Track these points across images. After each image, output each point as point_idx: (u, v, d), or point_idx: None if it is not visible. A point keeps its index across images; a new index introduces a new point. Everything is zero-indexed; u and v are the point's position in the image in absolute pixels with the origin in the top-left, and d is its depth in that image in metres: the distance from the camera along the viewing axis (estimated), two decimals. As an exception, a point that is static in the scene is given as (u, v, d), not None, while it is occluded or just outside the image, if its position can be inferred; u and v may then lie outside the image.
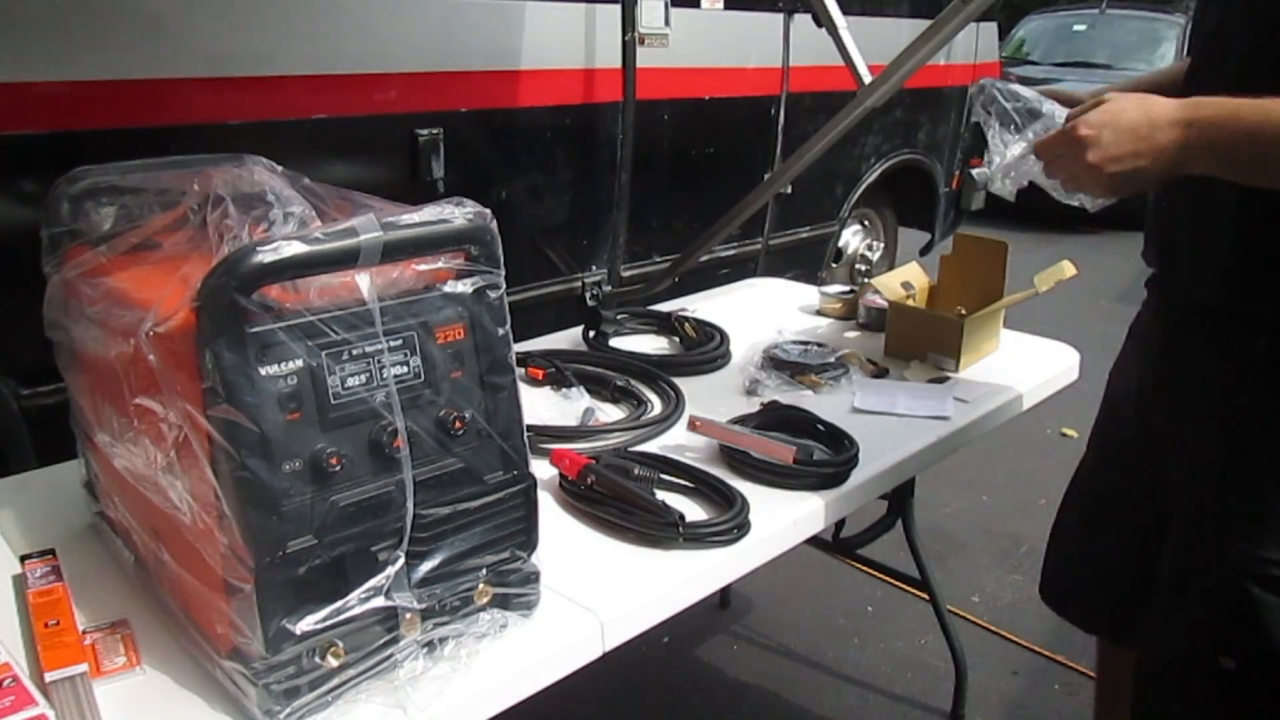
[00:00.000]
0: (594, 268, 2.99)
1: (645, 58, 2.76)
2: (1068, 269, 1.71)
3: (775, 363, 1.70)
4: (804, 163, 2.56)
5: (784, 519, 1.23)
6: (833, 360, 1.70)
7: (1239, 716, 1.17)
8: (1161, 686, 1.23)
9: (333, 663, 0.84)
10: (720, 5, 3.11)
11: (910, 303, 1.87)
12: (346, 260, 0.80)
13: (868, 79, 2.37)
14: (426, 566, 0.89)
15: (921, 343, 1.76)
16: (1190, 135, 1.05)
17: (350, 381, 0.83)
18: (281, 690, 0.82)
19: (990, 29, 4.49)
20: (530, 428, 1.07)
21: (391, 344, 0.85)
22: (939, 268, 1.93)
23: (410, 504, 0.86)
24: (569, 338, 1.88)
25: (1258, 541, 1.13)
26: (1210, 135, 1.04)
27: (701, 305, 2.05)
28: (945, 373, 1.71)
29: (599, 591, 1.05)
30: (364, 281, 0.83)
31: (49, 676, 0.87)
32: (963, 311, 1.75)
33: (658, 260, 3.15)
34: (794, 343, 1.76)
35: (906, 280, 1.89)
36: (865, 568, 2.36)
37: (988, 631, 2.41)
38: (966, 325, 1.71)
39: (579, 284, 2.96)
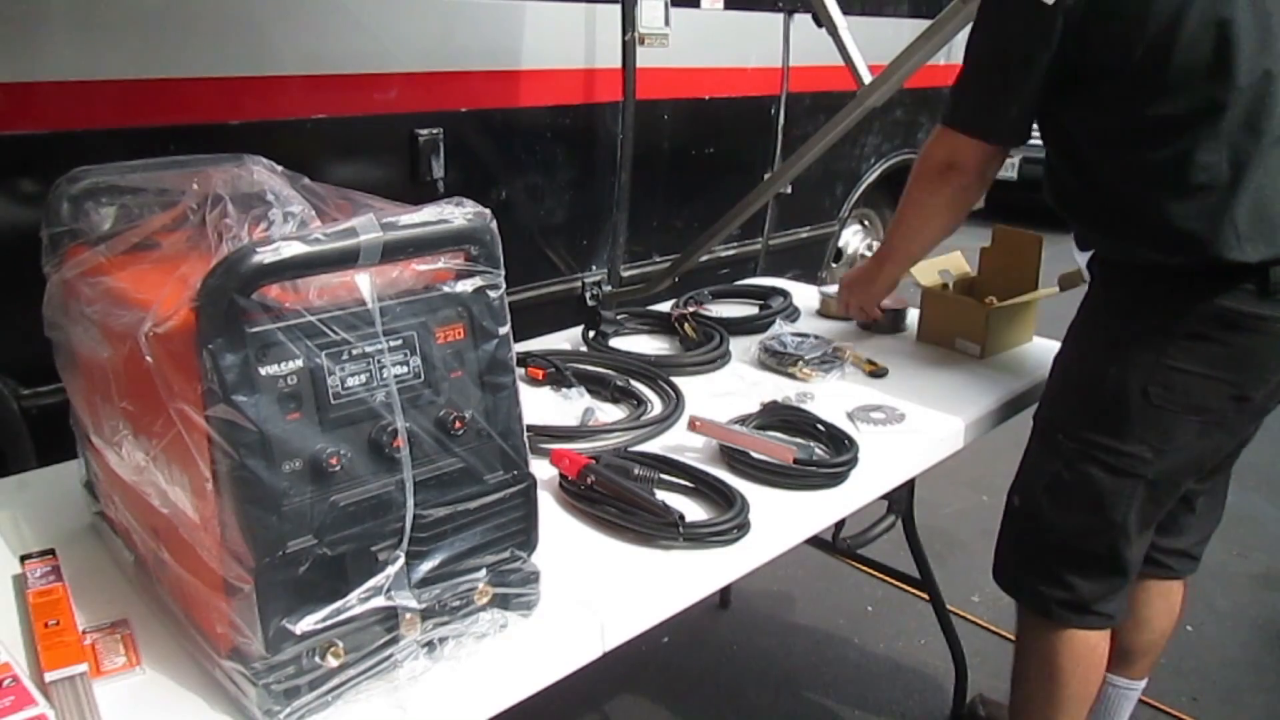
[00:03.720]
0: (594, 268, 2.99)
1: (645, 58, 2.76)
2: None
3: (770, 353, 1.71)
4: (804, 163, 2.56)
5: (784, 519, 1.23)
6: (828, 352, 1.70)
7: (1018, 537, 1.60)
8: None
9: (333, 663, 0.84)
10: (720, 5, 3.11)
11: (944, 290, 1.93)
12: (346, 260, 0.80)
13: (868, 79, 2.37)
14: (426, 566, 0.88)
15: (951, 328, 1.82)
16: (879, 256, 1.81)
17: (350, 381, 0.83)
18: (281, 690, 0.82)
19: (990, 28, 4.48)
20: (530, 428, 1.07)
21: (391, 344, 0.85)
22: (979, 259, 1.98)
23: (410, 504, 0.86)
24: (569, 338, 1.88)
25: (1045, 408, 1.55)
26: (884, 251, 1.79)
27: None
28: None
29: (599, 591, 1.05)
30: (364, 281, 0.83)
31: (49, 676, 0.87)
32: (993, 301, 1.78)
33: (658, 260, 3.15)
34: (793, 334, 1.77)
35: (945, 268, 1.94)
36: (865, 568, 2.36)
37: (988, 631, 2.41)
38: (991, 314, 1.77)
39: (579, 284, 2.96)
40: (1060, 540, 1.51)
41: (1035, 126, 1.48)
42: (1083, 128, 1.40)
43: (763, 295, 2.15)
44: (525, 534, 0.96)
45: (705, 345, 1.79)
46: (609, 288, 3.00)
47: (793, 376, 1.66)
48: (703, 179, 3.24)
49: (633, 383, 1.60)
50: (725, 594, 2.49)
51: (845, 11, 2.49)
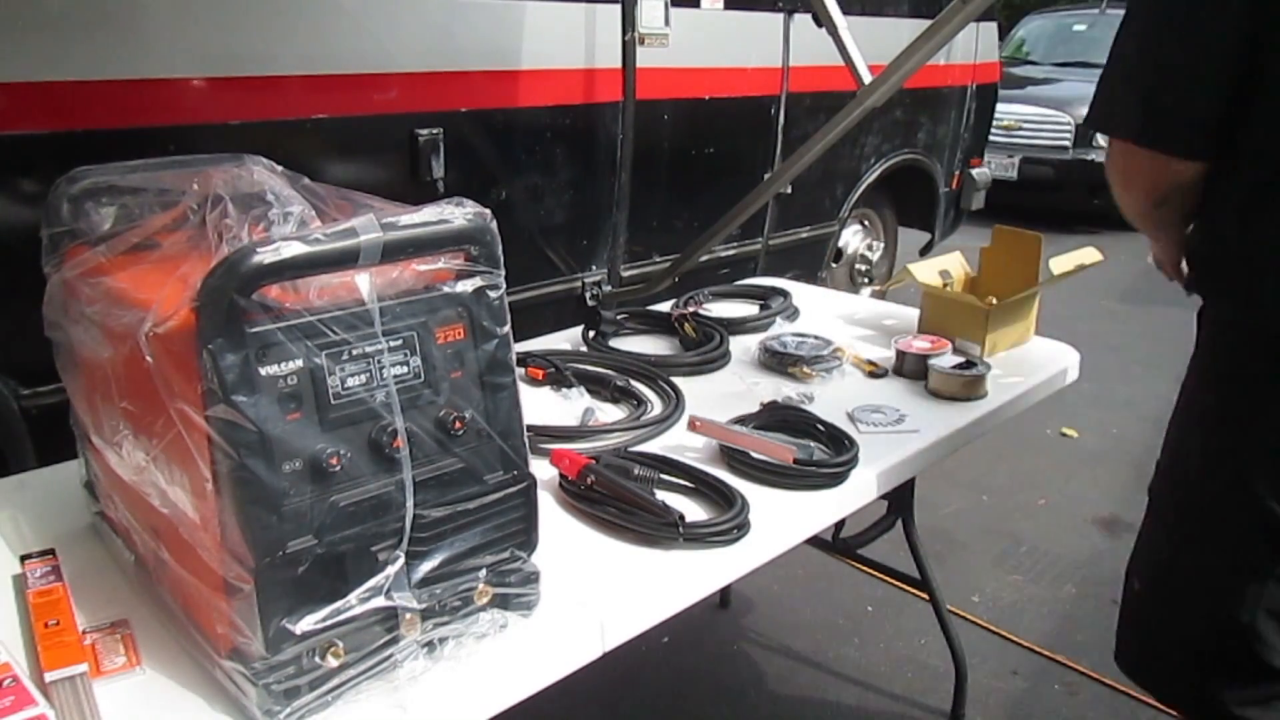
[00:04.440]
0: (594, 268, 2.99)
1: (645, 58, 2.76)
2: (1091, 254, 1.74)
3: (770, 353, 1.71)
4: (804, 163, 2.56)
5: (784, 519, 1.23)
6: (828, 352, 1.70)
7: (1140, 626, 1.45)
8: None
9: (333, 663, 0.84)
10: (720, 5, 3.11)
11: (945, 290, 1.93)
12: (346, 260, 0.80)
13: (868, 79, 2.37)
14: (426, 566, 0.89)
15: (951, 328, 1.81)
16: None
17: (350, 382, 0.83)
18: (281, 690, 0.82)
19: (990, 29, 4.49)
20: (530, 428, 1.07)
21: (391, 344, 0.85)
22: (980, 259, 1.98)
23: (410, 504, 0.86)
24: (569, 338, 1.88)
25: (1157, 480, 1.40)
26: None
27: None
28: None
29: (599, 591, 1.05)
30: (364, 282, 0.83)
31: (49, 676, 0.87)
32: (993, 301, 1.79)
33: (658, 260, 3.15)
34: (793, 334, 1.78)
35: (945, 269, 1.95)
36: (865, 568, 2.36)
37: (988, 631, 2.41)
38: (991, 314, 1.77)
39: (579, 284, 2.96)
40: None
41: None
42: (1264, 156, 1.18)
43: (763, 295, 2.16)
44: (525, 534, 0.96)
45: (705, 345, 1.79)
46: (609, 288, 3.00)
47: (793, 376, 1.66)
48: (703, 179, 3.23)
49: (633, 383, 1.60)
50: (725, 594, 2.49)
51: (845, 11, 2.49)
